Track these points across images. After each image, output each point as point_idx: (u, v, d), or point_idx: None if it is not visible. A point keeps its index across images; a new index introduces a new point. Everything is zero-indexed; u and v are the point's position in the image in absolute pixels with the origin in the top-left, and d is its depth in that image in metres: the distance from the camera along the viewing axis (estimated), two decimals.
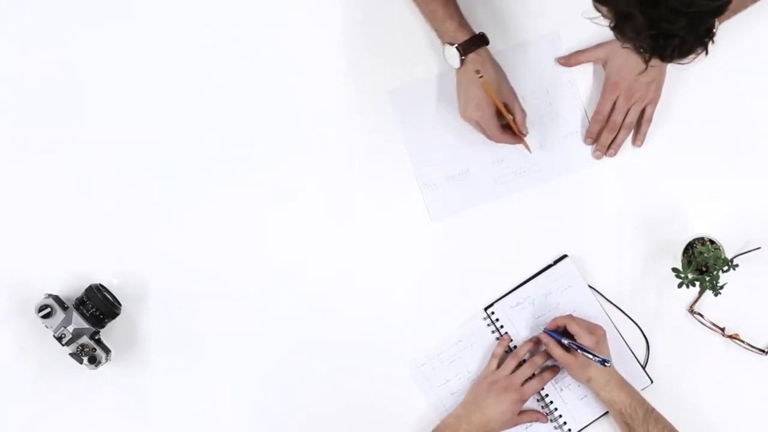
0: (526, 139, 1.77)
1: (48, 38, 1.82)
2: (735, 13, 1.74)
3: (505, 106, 1.74)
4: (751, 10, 1.75)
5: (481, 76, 1.70)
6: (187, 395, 1.80)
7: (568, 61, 1.82)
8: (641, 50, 1.35)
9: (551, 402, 1.80)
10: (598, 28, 1.79)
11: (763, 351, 1.80)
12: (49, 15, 1.82)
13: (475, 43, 1.72)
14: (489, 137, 1.75)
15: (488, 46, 1.74)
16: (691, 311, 1.78)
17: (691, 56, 1.36)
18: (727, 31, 1.76)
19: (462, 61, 1.72)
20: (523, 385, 1.76)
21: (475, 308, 1.81)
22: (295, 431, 1.81)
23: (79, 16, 1.82)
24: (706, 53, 1.36)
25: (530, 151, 1.78)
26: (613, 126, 1.80)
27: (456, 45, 1.71)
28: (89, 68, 1.82)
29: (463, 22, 1.73)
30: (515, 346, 1.80)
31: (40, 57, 1.82)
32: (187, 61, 1.83)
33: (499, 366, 1.78)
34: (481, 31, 1.74)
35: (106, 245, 1.81)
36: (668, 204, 1.81)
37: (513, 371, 1.76)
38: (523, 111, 1.76)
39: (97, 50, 1.82)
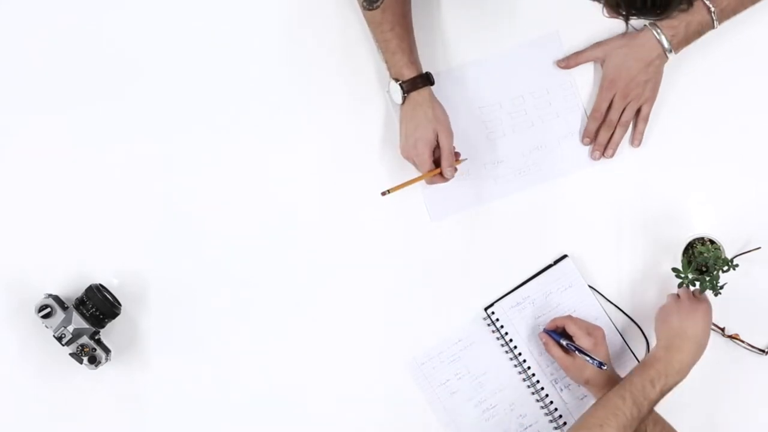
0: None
1: (47, 39, 1.82)
2: (735, 13, 1.74)
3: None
4: (751, 10, 1.75)
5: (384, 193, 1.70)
6: (187, 395, 1.80)
7: (568, 63, 1.82)
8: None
9: (551, 402, 1.80)
10: (598, 29, 1.81)
11: (764, 351, 1.80)
12: (46, 15, 1.82)
13: (420, 82, 1.71)
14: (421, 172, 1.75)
15: (433, 87, 1.72)
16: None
17: (670, 10, 1.36)
18: (726, 30, 1.77)
19: (404, 98, 1.71)
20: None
21: (475, 308, 1.82)
22: (295, 430, 1.81)
23: (77, 16, 1.82)
24: (690, 5, 1.36)
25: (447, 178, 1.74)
26: (610, 124, 1.80)
27: (400, 82, 1.71)
28: (89, 68, 1.82)
29: (413, 59, 1.71)
30: (515, 347, 1.80)
31: (40, 57, 1.82)
32: (188, 63, 1.82)
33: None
34: (428, 71, 1.72)
35: (106, 245, 1.81)
36: (668, 204, 1.81)
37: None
38: (452, 158, 1.72)
39: (96, 50, 1.82)
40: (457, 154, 1.75)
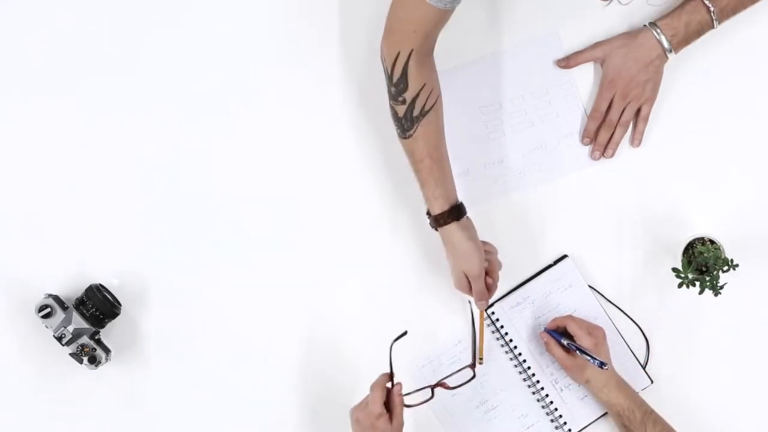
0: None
1: (45, 41, 1.83)
2: (735, 12, 1.74)
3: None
4: (751, 10, 1.75)
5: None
6: (187, 395, 1.80)
7: (568, 62, 1.82)
8: None
9: (551, 402, 1.80)
10: (598, 28, 1.81)
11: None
12: (42, 16, 1.82)
13: (446, 218, 1.68)
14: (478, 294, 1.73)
15: (466, 217, 1.70)
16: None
17: None
18: (726, 30, 1.77)
19: (437, 229, 1.70)
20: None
21: (476, 309, 1.81)
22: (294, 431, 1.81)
23: (74, 16, 1.83)
24: None
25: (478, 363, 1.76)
26: (610, 124, 1.80)
27: (429, 217, 1.69)
28: (88, 69, 1.82)
29: (438, 193, 1.67)
30: (515, 347, 1.80)
31: (39, 57, 1.83)
32: (189, 65, 1.83)
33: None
34: (460, 201, 1.69)
35: (106, 245, 1.81)
36: (668, 204, 1.81)
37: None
38: (483, 293, 1.72)
39: (94, 51, 1.83)
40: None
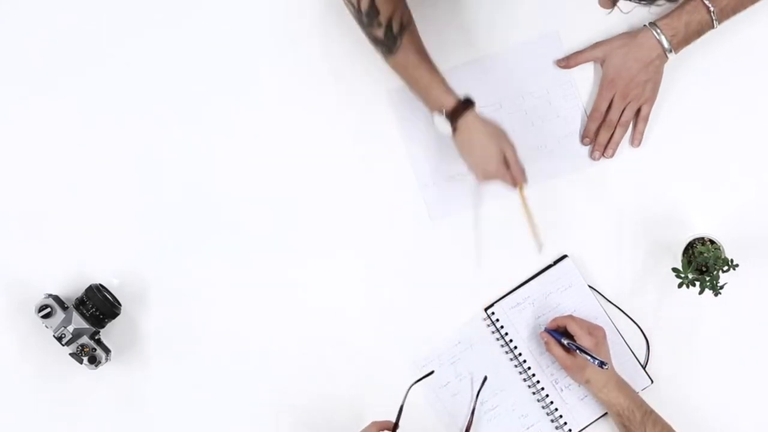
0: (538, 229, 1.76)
1: (45, 41, 1.83)
2: (735, 12, 1.74)
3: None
4: (751, 9, 1.75)
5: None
6: (187, 395, 1.80)
7: (568, 62, 1.82)
8: None
9: (551, 402, 1.80)
10: (598, 28, 1.81)
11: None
12: (42, 16, 1.82)
13: (463, 107, 1.68)
14: (513, 179, 1.70)
15: (475, 107, 1.69)
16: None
17: None
18: (726, 30, 1.77)
19: (454, 128, 1.68)
20: None
21: (475, 309, 1.81)
22: (295, 431, 1.81)
23: (73, 16, 1.83)
24: None
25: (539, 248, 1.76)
26: (610, 124, 1.80)
27: (445, 113, 1.68)
28: (88, 69, 1.83)
29: (447, 88, 1.67)
30: (515, 347, 1.80)
31: (39, 57, 1.83)
32: (189, 66, 1.83)
33: None
34: (466, 95, 1.69)
35: (106, 245, 1.81)
36: (668, 204, 1.81)
37: None
38: (521, 166, 1.71)
39: (94, 51, 1.83)
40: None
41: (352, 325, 1.81)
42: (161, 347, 1.81)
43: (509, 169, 1.69)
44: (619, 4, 1.42)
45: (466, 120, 1.67)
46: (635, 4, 1.40)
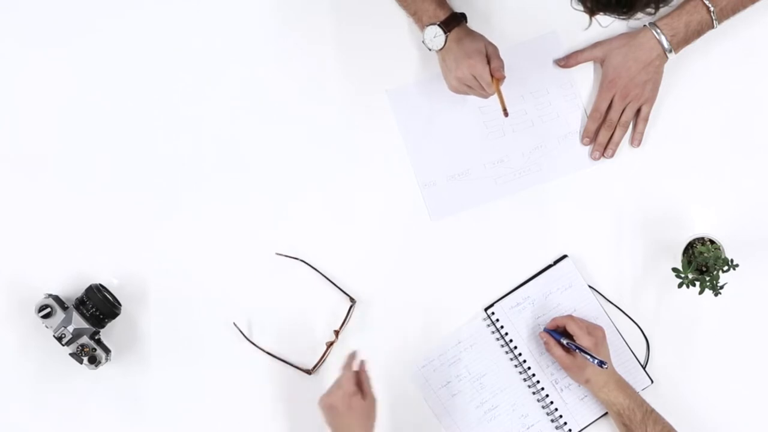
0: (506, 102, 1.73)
1: (43, 43, 1.83)
2: (734, 12, 1.74)
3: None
4: (751, 9, 1.75)
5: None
6: (186, 395, 1.80)
7: (567, 62, 1.82)
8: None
9: (551, 402, 1.80)
10: (597, 29, 1.80)
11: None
12: (42, 16, 1.82)
13: (457, 19, 1.71)
14: (483, 89, 1.71)
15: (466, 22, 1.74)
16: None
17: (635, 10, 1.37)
18: (726, 30, 1.77)
19: (446, 38, 1.70)
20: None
21: (475, 309, 1.81)
22: (295, 430, 1.81)
23: (73, 16, 1.83)
24: (656, 9, 1.38)
25: (506, 114, 1.72)
26: (610, 124, 1.80)
27: (438, 23, 1.70)
28: (88, 69, 1.83)
29: (441, 2, 1.72)
30: (515, 347, 1.80)
31: (39, 57, 1.83)
32: (190, 66, 1.83)
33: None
34: (461, 11, 1.73)
35: (106, 245, 1.81)
36: (668, 204, 1.81)
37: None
38: (501, 60, 1.73)
39: (92, 52, 1.83)
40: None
41: (352, 325, 1.81)
42: (161, 347, 1.81)
43: (492, 60, 1.71)
44: (597, 18, 1.42)
45: (459, 31, 1.71)
46: (614, 19, 1.41)
